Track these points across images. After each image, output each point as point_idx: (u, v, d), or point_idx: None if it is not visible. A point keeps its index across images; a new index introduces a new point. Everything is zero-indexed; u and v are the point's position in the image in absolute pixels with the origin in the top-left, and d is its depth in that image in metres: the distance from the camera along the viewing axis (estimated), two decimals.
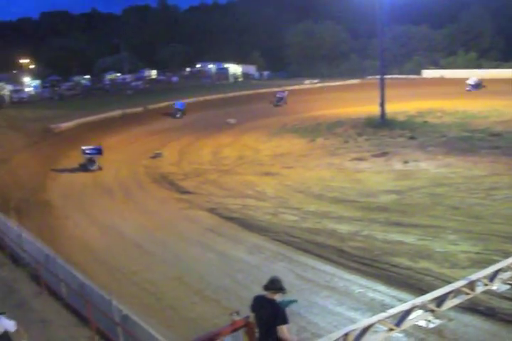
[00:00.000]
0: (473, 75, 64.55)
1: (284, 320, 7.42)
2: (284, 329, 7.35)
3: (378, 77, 48.44)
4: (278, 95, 63.27)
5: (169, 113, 56.43)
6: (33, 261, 16.51)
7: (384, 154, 32.41)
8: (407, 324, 9.12)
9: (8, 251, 18.41)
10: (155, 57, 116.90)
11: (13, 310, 13.44)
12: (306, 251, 18.36)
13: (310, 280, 15.97)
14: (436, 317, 9.86)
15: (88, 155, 34.82)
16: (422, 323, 9.57)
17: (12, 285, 15.58)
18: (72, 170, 34.85)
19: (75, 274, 14.25)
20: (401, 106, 50.22)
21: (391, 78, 64.82)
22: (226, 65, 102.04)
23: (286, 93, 64.39)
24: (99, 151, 35.09)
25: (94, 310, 12.41)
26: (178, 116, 56.01)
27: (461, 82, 63.56)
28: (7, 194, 28.75)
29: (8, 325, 9.33)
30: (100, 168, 34.66)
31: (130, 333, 11.31)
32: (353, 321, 12.13)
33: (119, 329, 11.91)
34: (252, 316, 7.74)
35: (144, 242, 20.50)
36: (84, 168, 34.72)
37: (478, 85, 62.71)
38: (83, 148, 34.69)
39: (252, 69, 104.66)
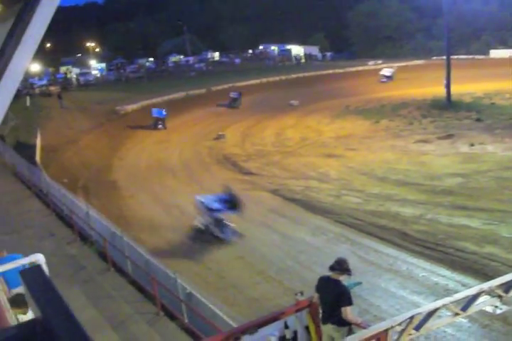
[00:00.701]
0: None
1: (349, 301, 7.36)
2: (348, 311, 7.29)
3: (444, 57, 47.16)
4: (232, 95, 53.96)
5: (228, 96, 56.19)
6: (100, 238, 16.93)
7: (449, 136, 31.59)
8: (473, 309, 8.90)
9: (76, 228, 18.92)
10: (217, 39, 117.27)
11: (81, 286, 13.88)
12: (369, 233, 18.21)
13: (373, 262, 15.84)
14: (504, 303, 9.61)
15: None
16: (489, 309, 9.34)
17: (80, 262, 16.03)
18: (137, 151, 35.48)
19: (141, 252, 14.54)
20: (467, 87, 48.74)
21: (457, 58, 63.03)
22: (289, 47, 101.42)
23: (239, 94, 54.23)
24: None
25: (159, 286, 12.66)
26: (160, 126, 43.85)
27: None
28: (75, 174, 29.60)
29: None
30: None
31: (194, 310, 11.49)
32: (415, 305, 11.98)
33: (183, 306, 12.12)
34: (316, 296, 7.69)
35: None
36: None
37: (391, 77, 63.34)
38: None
39: (314, 50, 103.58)
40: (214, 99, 54.39)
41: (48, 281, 1.03)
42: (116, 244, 15.79)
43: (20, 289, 9.89)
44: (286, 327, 7.42)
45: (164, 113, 43.87)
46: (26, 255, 5.08)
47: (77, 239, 18.41)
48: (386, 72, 64.33)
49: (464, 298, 8.44)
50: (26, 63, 1.87)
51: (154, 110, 44.64)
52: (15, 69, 1.83)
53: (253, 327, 7.13)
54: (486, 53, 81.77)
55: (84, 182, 27.90)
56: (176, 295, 12.21)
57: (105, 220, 17.68)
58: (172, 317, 12.48)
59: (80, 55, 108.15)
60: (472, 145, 28.58)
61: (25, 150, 32.29)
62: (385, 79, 62.77)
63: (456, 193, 21.13)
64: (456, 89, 44.37)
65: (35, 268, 1.08)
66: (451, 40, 47.53)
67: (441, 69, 46.25)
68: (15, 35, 1.82)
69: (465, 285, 12.97)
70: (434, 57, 76.63)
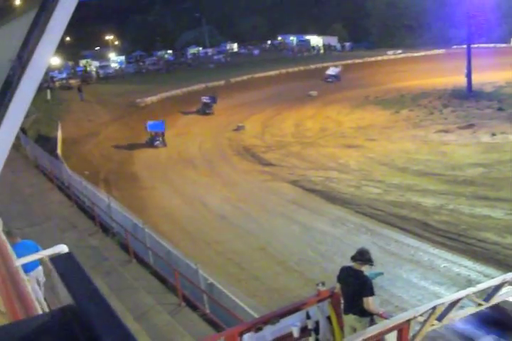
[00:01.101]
0: None
1: (371, 292, 7.33)
2: (369, 301, 7.26)
3: (464, 46, 46.60)
4: (204, 100, 47.75)
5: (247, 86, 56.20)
6: (121, 230, 17.05)
7: (470, 126, 31.30)
8: (495, 300, 8.84)
9: (98, 220, 19.06)
10: (236, 31, 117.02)
11: (104, 277, 13.99)
12: (389, 224, 18.16)
13: (393, 253, 15.80)
14: None
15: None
16: None
17: (103, 254, 16.15)
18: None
19: (162, 243, 14.63)
20: (488, 76, 48.08)
21: (478, 47, 62.21)
22: (307, 37, 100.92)
23: (212, 99, 48.22)
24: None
25: (181, 277, 12.73)
26: (157, 143, 35.43)
27: None
28: (96, 166, 29.81)
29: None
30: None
31: (215, 301, 11.54)
32: (437, 296, 11.93)
33: (204, 296, 12.18)
34: (338, 287, 7.69)
35: (227, 213, 20.78)
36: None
37: (338, 76, 60.49)
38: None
39: (333, 40, 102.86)
40: (233, 90, 54.37)
41: (80, 268, 1.04)
42: (138, 236, 15.89)
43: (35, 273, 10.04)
44: (308, 317, 7.43)
45: (163, 127, 35.92)
46: (49, 246, 5.12)
47: (99, 230, 18.55)
48: (332, 71, 61.22)
49: (486, 289, 8.39)
50: (51, 53, 1.87)
51: (150, 124, 35.83)
52: (39, 59, 1.83)
53: (275, 318, 7.15)
54: (508, 41, 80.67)
55: (105, 175, 28.08)
56: (197, 285, 12.27)
57: (126, 212, 17.79)
58: (194, 307, 12.55)
59: (98, 48, 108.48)
60: (494, 134, 28.29)
61: (46, 143, 32.58)
62: (331, 79, 59.71)
63: (477, 183, 20.97)
64: (477, 78, 43.89)
65: (67, 255, 1.09)
66: (471, 29, 46.92)
67: (461, 59, 45.65)
68: (39, 25, 1.83)
69: (487, 276, 12.89)
70: (455, 46, 75.74)
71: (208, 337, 7.99)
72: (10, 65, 1.92)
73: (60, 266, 1.04)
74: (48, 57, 1.88)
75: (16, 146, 32.04)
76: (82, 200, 21.74)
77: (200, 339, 8.63)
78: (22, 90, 1.90)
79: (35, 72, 1.87)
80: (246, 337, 6.98)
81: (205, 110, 46.71)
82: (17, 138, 32.34)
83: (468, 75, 43.20)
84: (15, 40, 1.91)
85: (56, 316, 1.00)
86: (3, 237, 3.40)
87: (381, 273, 8.61)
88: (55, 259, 1.08)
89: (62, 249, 5.18)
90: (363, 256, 7.51)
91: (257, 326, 7.05)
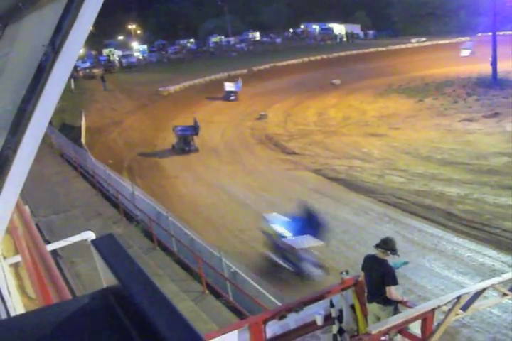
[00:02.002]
0: None
1: (394, 281, 7.32)
2: (392, 290, 7.25)
3: (490, 34, 45.89)
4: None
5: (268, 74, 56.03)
6: (145, 218, 17.18)
7: (496, 115, 30.89)
8: None
9: (122, 208, 19.23)
10: (258, 19, 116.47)
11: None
12: (413, 213, 18.04)
13: (417, 242, 15.71)
14: None
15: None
16: None
17: (127, 241, 16.29)
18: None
19: (186, 231, 14.71)
20: None
21: (503, 35, 61.23)
22: (330, 25, 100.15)
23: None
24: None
25: (204, 265, 12.81)
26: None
27: None
28: (120, 155, 30.01)
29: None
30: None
31: (239, 288, 11.61)
32: (461, 285, 11.86)
33: (228, 284, 12.26)
34: (361, 275, 7.68)
35: (250, 202, 20.80)
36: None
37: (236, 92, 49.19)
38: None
39: (356, 28, 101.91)
40: (255, 79, 54.28)
41: (122, 249, 1.04)
42: (162, 224, 16.00)
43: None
44: (332, 305, 7.44)
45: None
46: (76, 234, 5.19)
47: (123, 218, 18.72)
48: (229, 86, 48.64)
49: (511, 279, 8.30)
50: (83, 39, 1.88)
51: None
52: (72, 45, 1.84)
53: (299, 306, 7.17)
54: None
55: (129, 163, 28.26)
56: (221, 273, 12.35)
57: (150, 200, 17.91)
58: (217, 295, 12.64)
59: (122, 37, 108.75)
60: None
61: (70, 131, 32.86)
62: (233, 97, 47.75)
63: (502, 173, 20.73)
64: (502, 66, 43.25)
65: (108, 236, 1.09)
66: (497, 16, 46.15)
67: (486, 47, 44.95)
68: (71, 11, 1.83)
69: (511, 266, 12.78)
70: (480, 34, 74.69)
71: (232, 324, 8.03)
72: (43, 51, 1.93)
73: (102, 247, 1.05)
74: (80, 44, 1.89)
75: None
76: (106, 188, 21.93)
77: (223, 326, 8.68)
78: (55, 76, 1.91)
79: (68, 58, 1.88)
80: (270, 324, 7.03)
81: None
82: None
83: (494, 63, 42.61)
84: (48, 26, 1.92)
85: (97, 298, 1.00)
86: (33, 224, 3.44)
87: (406, 263, 8.57)
88: (97, 241, 1.08)
89: (90, 235, 5.24)
90: (386, 245, 7.49)
91: (281, 314, 7.09)
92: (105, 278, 1.00)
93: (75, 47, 1.87)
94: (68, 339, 0.95)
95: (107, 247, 1.02)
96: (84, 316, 0.98)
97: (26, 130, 2.13)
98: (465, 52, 60.29)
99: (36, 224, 16.30)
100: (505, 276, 8.52)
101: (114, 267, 0.95)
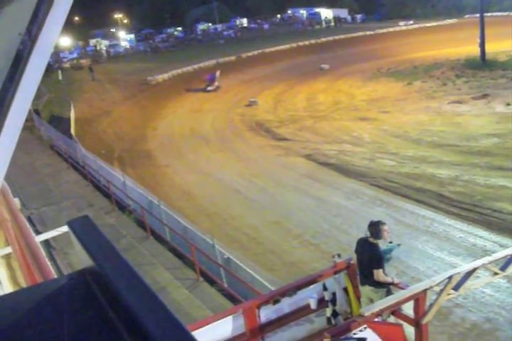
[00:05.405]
0: None
1: (379, 265, 7.35)
2: (379, 273, 7.29)
3: (477, 15, 45.77)
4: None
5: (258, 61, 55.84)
6: (138, 207, 17.19)
7: (484, 96, 30.93)
8: None
9: (114, 198, 19.22)
10: (245, 5, 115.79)
11: (122, 254, 14.12)
12: (404, 196, 18.10)
13: (409, 225, 15.79)
14: None
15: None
16: None
17: (120, 231, 16.31)
18: (170, 120, 35.65)
19: (179, 219, 14.74)
20: (502, 45, 47.02)
21: (490, 16, 61.10)
22: (317, 10, 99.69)
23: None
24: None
25: (198, 253, 12.85)
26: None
27: None
28: (110, 145, 29.95)
29: None
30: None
31: (233, 275, 11.65)
32: (453, 266, 11.93)
33: (221, 271, 12.31)
34: (354, 258, 7.73)
35: (242, 188, 20.83)
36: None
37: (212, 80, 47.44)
38: None
39: (344, 12, 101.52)
40: (244, 65, 54.13)
41: (97, 230, 1.06)
42: (154, 213, 16.02)
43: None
44: (325, 289, 7.49)
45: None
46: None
47: (115, 208, 18.72)
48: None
49: (503, 258, 8.38)
50: (59, 27, 1.88)
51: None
52: (49, 32, 1.84)
53: (292, 290, 7.22)
54: None
55: (119, 153, 28.21)
56: (214, 260, 12.39)
57: (142, 189, 17.91)
58: (211, 282, 12.69)
59: (108, 27, 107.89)
60: (508, 104, 27.96)
61: (59, 123, 32.73)
62: (210, 88, 46.05)
63: (492, 154, 20.81)
64: (490, 47, 43.18)
65: (83, 217, 1.11)
66: None
67: (474, 28, 44.90)
68: (47, 0, 1.83)
69: (503, 246, 12.84)
70: (467, 16, 74.59)
71: (226, 310, 8.08)
72: (20, 39, 1.93)
73: (77, 228, 1.06)
74: (57, 31, 1.89)
75: (30, 127, 32.22)
76: (98, 179, 21.90)
77: (218, 312, 8.75)
78: (33, 64, 1.91)
79: (45, 46, 1.88)
80: (264, 309, 7.07)
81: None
82: (31, 119, 32.54)
83: (482, 45, 42.53)
84: (24, 15, 1.92)
85: (75, 278, 1.02)
86: (22, 215, 3.46)
87: (399, 245, 8.61)
88: (72, 222, 1.10)
89: None
90: (370, 229, 7.53)
91: (274, 298, 7.13)
92: (82, 259, 1.02)
93: (51, 36, 1.87)
94: (46, 318, 0.97)
95: (83, 228, 1.04)
96: (62, 295, 1.00)
97: (6, 119, 2.13)
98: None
99: (28, 217, 16.32)
100: (496, 255, 8.58)
101: (89, 248, 0.97)
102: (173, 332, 0.84)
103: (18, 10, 2.12)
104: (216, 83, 46.55)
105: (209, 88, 45.55)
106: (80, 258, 1.06)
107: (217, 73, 47.30)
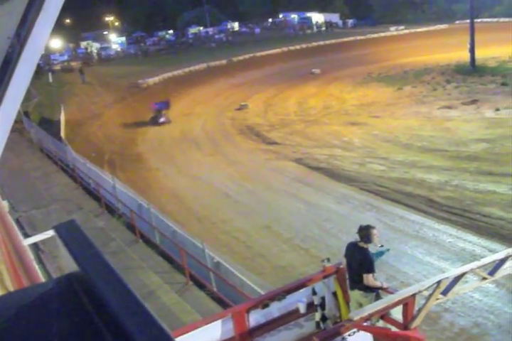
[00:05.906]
0: None
1: (368, 269, 7.37)
2: (369, 278, 7.32)
3: (467, 21, 46.03)
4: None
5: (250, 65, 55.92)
6: (127, 210, 17.15)
7: (474, 102, 31.08)
8: (500, 273, 8.89)
9: (103, 201, 19.17)
10: (236, 9, 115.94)
11: (111, 258, 14.08)
12: (394, 200, 18.13)
13: (399, 229, 15.81)
14: None
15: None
16: None
17: (109, 234, 16.27)
18: (161, 125, 35.59)
19: (168, 223, 14.72)
20: (492, 51, 47.38)
21: (481, 22, 61.43)
22: (309, 14, 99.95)
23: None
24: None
25: (187, 256, 12.83)
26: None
27: None
28: (101, 148, 29.89)
29: None
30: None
31: (222, 279, 11.64)
32: (442, 271, 11.96)
33: (211, 275, 12.29)
34: (344, 262, 7.74)
35: (232, 192, 20.82)
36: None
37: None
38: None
39: (335, 17, 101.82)
40: (235, 69, 54.18)
41: (84, 235, 1.06)
42: (144, 216, 15.99)
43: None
44: (314, 293, 7.50)
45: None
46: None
47: (105, 211, 18.67)
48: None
49: (491, 263, 8.41)
50: (48, 30, 1.88)
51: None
52: (38, 36, 1.84)
53: (281, 294, 7.23)
54: (511, 16, 79.53)
55: (109, 156, 28.15)
56: (204, 264, 12.37)
57: (132, 192, 17.88)
58: (201, 286, 12.67)
59: (99, 30, 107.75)
60: (497, 110, 28.11)
61: (49, 126, 32.68)
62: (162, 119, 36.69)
63: (481, 159, 20.91)
64: (480, 53, 43.42)
65: (70, 222, 1.11)
66: (474, 3, 46.32)
67: (464, 34, 45.17)
68: (36, 3, 1.83)
69: (492, 251, 12.88)
70: (458, 21, 75.02)
71: (215, 314, 8.07)
72: (9, 43, 1.93)
73: (64, 233, 1.06)
74: (46, 35, 1.89)
75: (20, 130, 32.12)
76: (87, 182, 21.84)
77: (208, 316, 8.73)
78: (22, 67, 1.91)
79: (34, 49, 1.88)
80: (253, 313, 7.07)
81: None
82: (20, 121, 32.45)
83: (472, 50, 42.76)
84: (13, 18, 1.92)
85: (61, 283, 1.02)
86: (10, 218, 3.44)
87: (387, 250, 8.63)
88: (58, 227, 1.10)
89: None
90: (360, 233, 7.56)
91: (263, 303, 7.13)
92: (68, 263, 1.02)
93: (40, 39, 1.87)
94: (33, 323, 0.97)
95: (69, 233, 1.04)
96: (49, 300, 1.00)
97: None
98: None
99: (17, 219, 16.24)
100: (484, 260, 8.62)
101: (75, 252, 0.97)
102: (154, 333, 0.86)
103: (7, 13, 2.12)
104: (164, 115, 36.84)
105: (161, 120, 35.74)
106: (67, 263, 1.06)
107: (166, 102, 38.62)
